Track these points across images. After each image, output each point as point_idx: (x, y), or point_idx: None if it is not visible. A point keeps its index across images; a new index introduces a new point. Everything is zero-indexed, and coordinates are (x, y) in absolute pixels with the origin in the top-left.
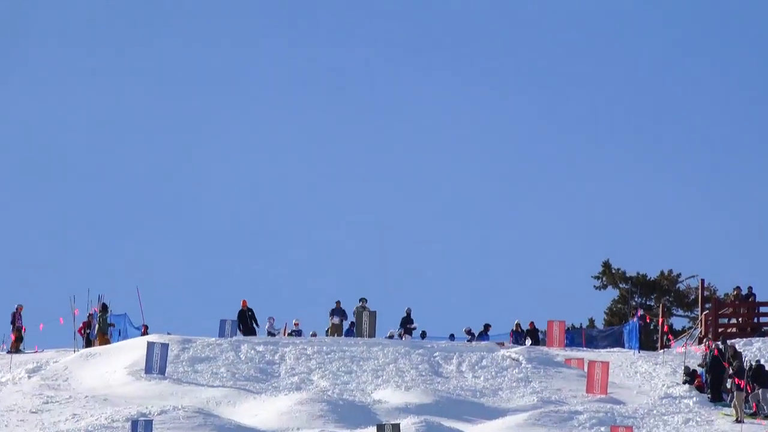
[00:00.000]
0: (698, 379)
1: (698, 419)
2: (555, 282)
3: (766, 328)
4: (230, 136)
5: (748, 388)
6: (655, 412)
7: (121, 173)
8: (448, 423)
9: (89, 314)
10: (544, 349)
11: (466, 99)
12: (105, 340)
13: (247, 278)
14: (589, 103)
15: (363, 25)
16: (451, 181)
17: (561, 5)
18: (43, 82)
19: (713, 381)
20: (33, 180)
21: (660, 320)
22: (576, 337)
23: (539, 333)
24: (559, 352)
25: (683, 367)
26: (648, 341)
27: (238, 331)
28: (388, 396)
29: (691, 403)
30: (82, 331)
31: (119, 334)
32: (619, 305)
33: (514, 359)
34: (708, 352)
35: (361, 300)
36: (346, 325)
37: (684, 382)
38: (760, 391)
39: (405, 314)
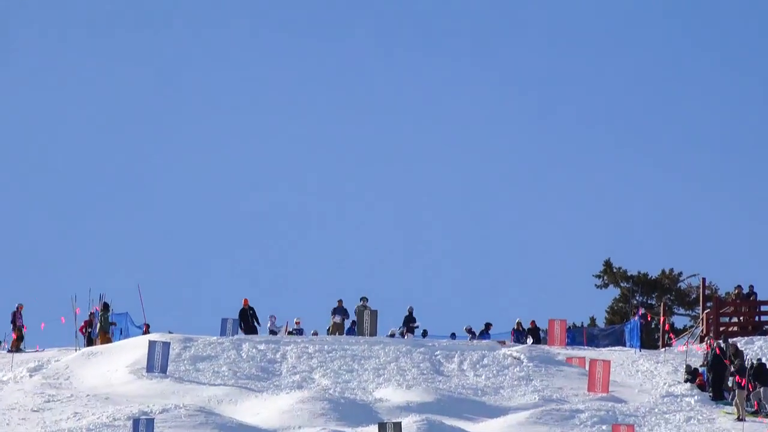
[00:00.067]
0: (699, 378)
1: (699, 418)
2: (556, 281)
3: (767, 326)
4: (230, 135)
5: (749, 386)
6: (656, 410)
7: (122, 172)
8: (449, 422)
9: (91, 313)
10: (546, 347)
11: (466, 98)
12: (106, 339)
13: (249, 277)
14: (590, 102)
15: (363, 24)
16: (452, 180)
17: (561, 4)
18: (39, 76)
19: (714, 379)
20: (34, 179)
21: (661, 319)
22: (577, 335)
23: (540, 332)
24: (561, 351)
25: (684, 366)
26: (649, 340)
27: (239, 329)
28: (389, 394)
29: (692, 402)
30: (84, 330)
31: (121, 333)
32: (620, 304)
33: (515, 358)
34: (709, 350)
35: (362, 299)
36: (347, 323)
37: (685, 381)
38: (761, 389)
39: (407, 313)
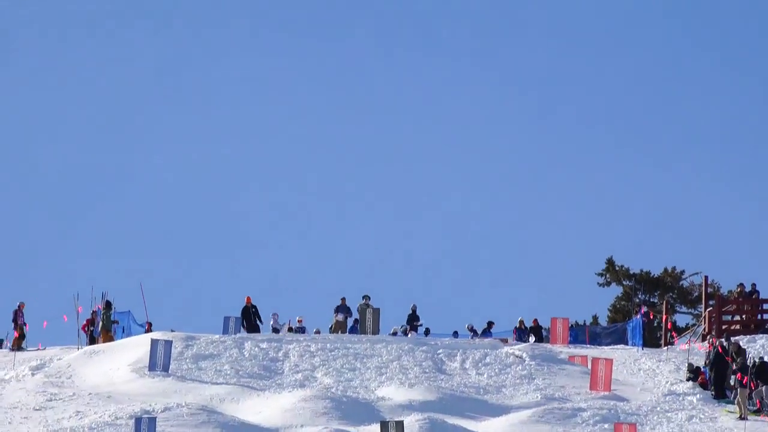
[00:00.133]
0: (702, 376)
1: (702, 416)
2: (558, 279)
3: None
4: (231, 135)
5: (751, 384)
6: (658, 409)
7: (122, 171)
8: (451, 420)
9: (93, 311)
10: (548, 346)
11: (466, 98)
12: (109, 338)
13: (251, 275)
14: (591, 101)
15: (363, 24)
16: (453, 179)
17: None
18: (39, 76)
19: (717, 378)
20: (35, 178)
21: (664, 317)
22: (580, 334)
23: (543, 330)
24: (563, 349)
25: (687, 364)
26: (651, 338)
27: (241, 328)
28: (391, 393)
29: (694, 400)
30: (86, 329)
31: (123, 332)
32: (622, 302)
33: (517, 356)
34: (711, 349)
35: (364, 297)
36: (350, 322)
37: (687, 379)
38: (763, 387)
39: (410, 311)
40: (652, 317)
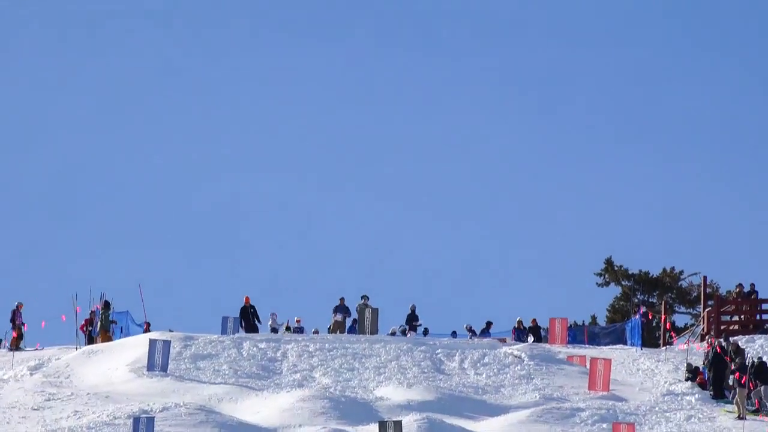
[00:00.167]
0: (700, 376)
1: (700, 416)
2: (557, 279)
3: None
4: (231, 135)
5: (750, 384)
6: (657, 409)
7: (121, 171)
8: (450, 420)
9: (91, 311)
10: (547, 346)
11: (466, 97)
12: (107, 338)
13: (250, 275)
14: (590, 100)
15: (363, 25)
16: (452, 178)
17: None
18: (39, 76)
19: (715, 378)
20: (34, 177)
21: (662, 317)
22: (578, 334)
23: (541, 330)
24: (562, 349)
25: (685, 364)
26: (650, 338)
27: (240, 328)
28: (390, 393)
29: (693, 400)
30: (84, 329)
31: (121, 332)
32: (621, 302)
33: (516, 356)
34: (710, 349)
35: (363, 297)
36: (348, 322)
37: (686, 379)
38: (762, 387)
39: (410, 311)
40: (650, 317)
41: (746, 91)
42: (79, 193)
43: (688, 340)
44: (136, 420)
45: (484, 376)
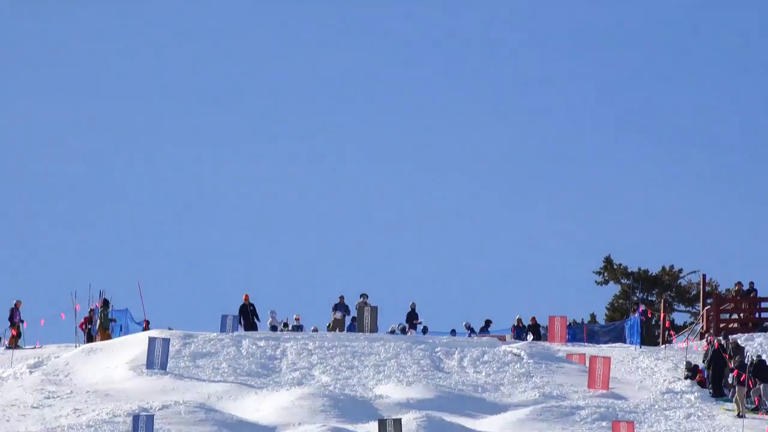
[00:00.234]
0: (699, 374)
1: (700, 414)
2: (556, 277)
3: (767, 323)
4: (231, 134)
5: (749, 382)
6: (656, 407)
7: (122, 170)
8: (449, 418)
9: (90, 309)
10: (546, 344)
11: (465, 96)
12: (106, 336)
13: (249, 273)
14: (590, 100)
15: (362, 24)
16: (451, 177)
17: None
18: (39, 76)
19: (714, 376)
20: (33, 176)
21: (661, 315)
22: (577, 332)
23: (541, 328)
24: (561, 348)
25: (685, 363)
26: (649, 336)
27: (239, 326)
28: (389, 391)
29: (692, 398)
30: (84, 327)
31: (121, 330)
32: (620, 300)
33: (515, 354)
34: (709, 347)
35: (362, 295)
36: (348, 320)
37: (685, 378)
38: (761, 386)
39: (410, 309)
40: (650, 315)
41: (746, 91)
42: (78, 192)
43: (687, 338)
44: (136, 418)
45: (483, 374)
